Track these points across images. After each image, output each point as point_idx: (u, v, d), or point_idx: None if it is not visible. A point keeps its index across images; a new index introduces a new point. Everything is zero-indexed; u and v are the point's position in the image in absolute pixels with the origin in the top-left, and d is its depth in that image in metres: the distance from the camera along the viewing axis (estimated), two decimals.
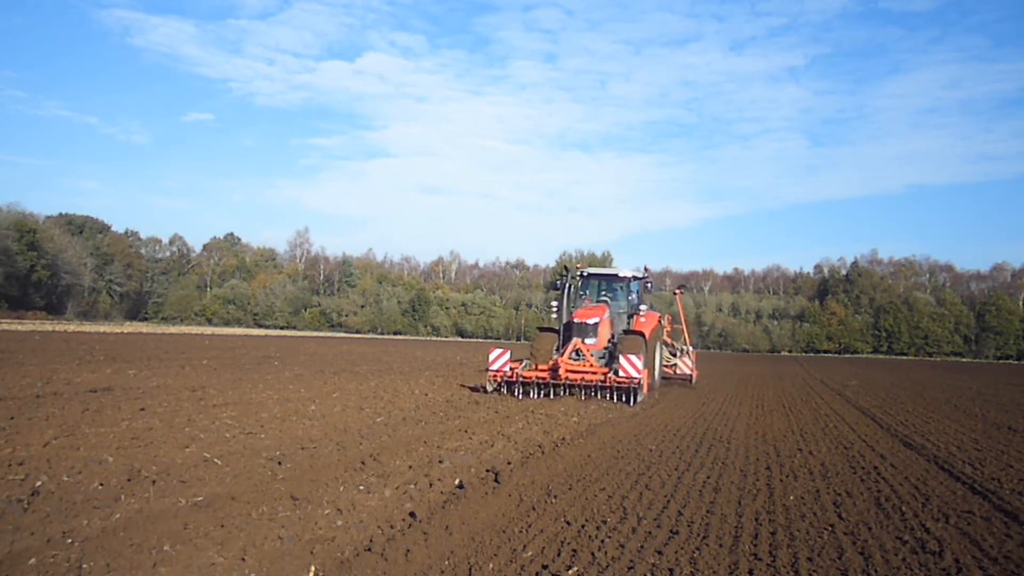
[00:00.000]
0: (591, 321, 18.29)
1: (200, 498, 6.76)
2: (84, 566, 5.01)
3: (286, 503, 6.66)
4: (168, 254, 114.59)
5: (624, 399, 16.38)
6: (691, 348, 25.02)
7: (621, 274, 20.77)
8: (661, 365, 22.23)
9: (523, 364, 17.97)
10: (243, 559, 5.28)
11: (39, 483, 6.96)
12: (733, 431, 13.01)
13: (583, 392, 16.83)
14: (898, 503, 7.60)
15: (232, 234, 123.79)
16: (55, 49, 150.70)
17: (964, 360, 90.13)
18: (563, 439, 10.93)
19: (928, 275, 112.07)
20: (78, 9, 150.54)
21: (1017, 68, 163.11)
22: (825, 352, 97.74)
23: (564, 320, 19.29)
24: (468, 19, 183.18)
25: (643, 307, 20.45)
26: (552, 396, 16.92)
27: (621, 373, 16.26)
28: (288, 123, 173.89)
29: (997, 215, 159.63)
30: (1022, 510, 7.35)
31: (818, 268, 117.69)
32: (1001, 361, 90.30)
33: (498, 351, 17.80)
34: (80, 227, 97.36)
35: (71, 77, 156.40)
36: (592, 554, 5.56)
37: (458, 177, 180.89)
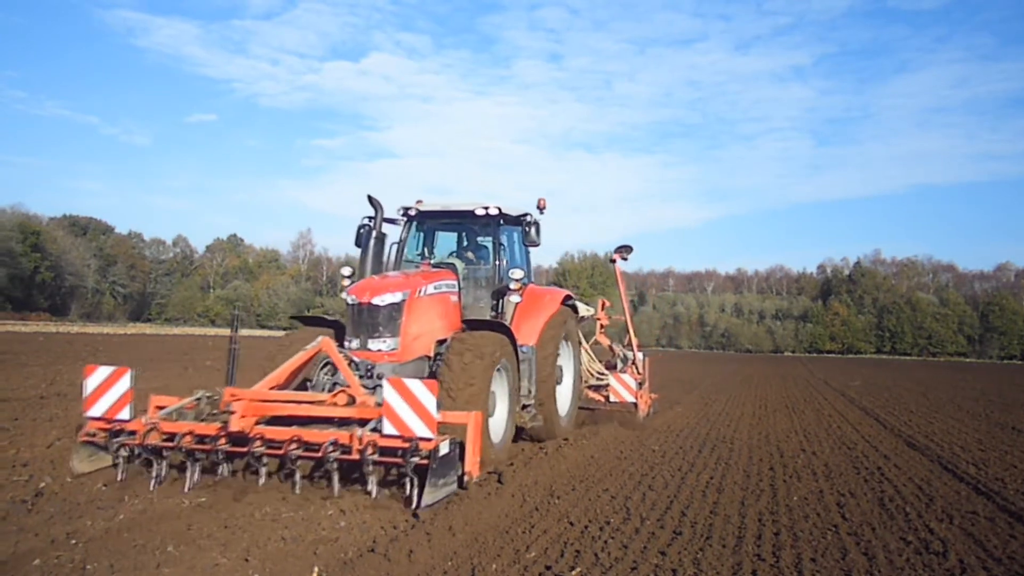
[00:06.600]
0: (379, 301, 8.83)
1: (203, 499, 6.78)
2: (88, 567, 5.03)
3: (289, 504, 6.67)
4: (171, 255, 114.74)
5: (407, 488, 6.89)
6: (639, 355, 14.35)
7: (481, 212, 10.36)
8: (577, 385, 12.31)
9: (197, 399, 8.20)
10: (247, 560, 5.30)
11: (43, 484, 6.99)
12: (736, 432, 13.00)
13: (294, 473, 7.17)
14: (902, 504, 7.58)
15: (235, 235, 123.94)
16: (59, 49, 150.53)
17: (968, 360, 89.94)
18: (565, 439, 10.91)
19: (931, 275, 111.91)
20: (82, 9, 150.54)
21: None
22: (828, 352, 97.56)
23: None
24: (473, 19, 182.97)
25: (516, 274, 10.17)
26: (232, 476, 7.45)
27: (387, 426, 6.93)
28: (292, 124, 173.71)
29: (1001, 215, 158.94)
30: None
31: (821, 268, 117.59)
32: (1005, 361, 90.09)
33: (105, 371, 7.78)
34: (84, 228, 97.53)
35: (74, 78, 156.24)
36: (595, 555, 5.56)
37: (461, 177, 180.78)
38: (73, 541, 5.52)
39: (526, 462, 9.20)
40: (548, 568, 5.27)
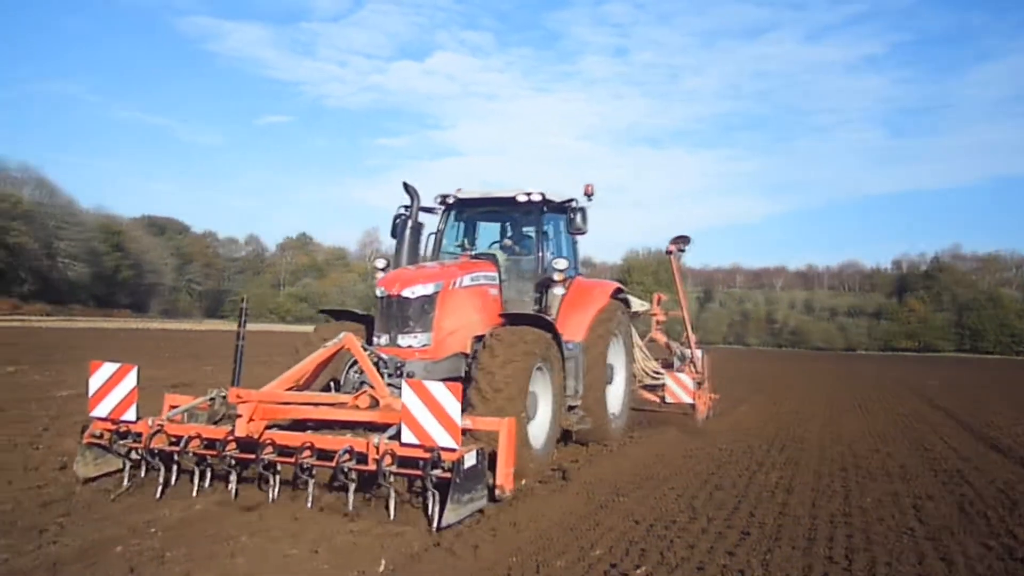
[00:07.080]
0: (409, 293, 8.26)
1: (275, 492, 6.94)
2: (166, 554, 5.22)
3: (356, 498, 6.78)
4: (244, 254, 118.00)
5: (429, 506, 6.05)
6: (698, 353, 13.78)
7: (523, 198, 9.77)
8: (630, 385, 11.45)
9: (211, 399, 7.72)
10: (316, 551, 5.42)
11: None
12: (807, 431, 12.70)
13: (308, 483, 6.47)
14: (983, 508, 7.30)
15: (304, 233, 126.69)
16: (139, 56, 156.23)
17: None
18: (632, 437, 10.84)
19: (1015, 270, 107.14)
20: (154, 13, 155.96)
21: None
22: (904, 351, 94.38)
23: None
24: (537, 15, 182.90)
25: (559, 264, 9.56)
26: (232, 487, 6.71)
27: (406, 433, 6.23)
28: (358, 124, 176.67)
29: None
30: None
31: (896, 264, 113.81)
32: None
33: (110, 368, 7.22)
34: (162, 228, 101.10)
35: (153, 83, 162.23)
36: (661, 553, 5.51)
37: (524, 175, 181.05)
38: (152, 529, 5.75)
39: (591, 459, 9.17)
40: (613, 566, 5.25)
